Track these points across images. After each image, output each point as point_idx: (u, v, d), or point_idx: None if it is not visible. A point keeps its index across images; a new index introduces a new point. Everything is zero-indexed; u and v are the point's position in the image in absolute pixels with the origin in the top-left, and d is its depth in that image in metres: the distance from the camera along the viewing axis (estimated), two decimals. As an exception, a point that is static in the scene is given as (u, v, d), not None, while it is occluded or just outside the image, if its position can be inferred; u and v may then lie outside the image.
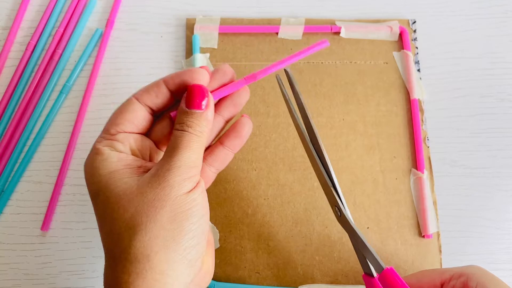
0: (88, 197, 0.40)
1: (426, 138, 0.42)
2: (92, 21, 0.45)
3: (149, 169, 0.26)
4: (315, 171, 0.30)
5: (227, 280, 0.38)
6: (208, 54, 0.43)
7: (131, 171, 0.26)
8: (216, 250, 0.38)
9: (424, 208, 0.39)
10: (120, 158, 0.26)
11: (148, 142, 0.29)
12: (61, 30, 0.44)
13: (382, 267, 0.28)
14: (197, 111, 0.26)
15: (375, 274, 0.30)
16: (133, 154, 0.27)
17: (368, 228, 0.39)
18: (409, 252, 0.39)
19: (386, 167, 0.41)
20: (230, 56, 0.43)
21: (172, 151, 0.26)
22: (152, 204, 0.24)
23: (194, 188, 0.26)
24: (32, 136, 0.41)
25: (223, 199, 0.39)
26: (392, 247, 0.39)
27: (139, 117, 0.28)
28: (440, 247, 0.39)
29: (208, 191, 0.39)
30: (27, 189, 0.40)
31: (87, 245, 0.39)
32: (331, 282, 0.38)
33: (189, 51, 0.44)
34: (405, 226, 0.39)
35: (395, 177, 0.41)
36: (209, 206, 0.39)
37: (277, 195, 0.40)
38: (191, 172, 0.26)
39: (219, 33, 0.44)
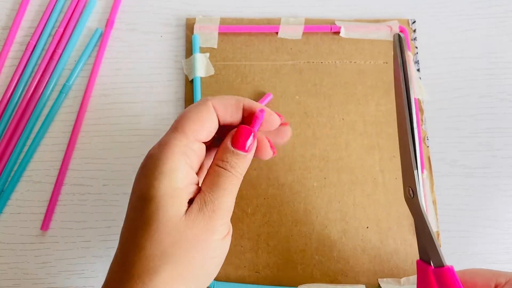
0: (88, 197, 0.40)
1: (426, 138, 0.42)
2: (92, 21, 0.45)
3: (196, 191, 0.26)
4: (401, 147, 0.29)
5: (227, 279, 0.38)
6: (208, 54, 0.43)
7: (187, 192, 0.25)
8: (216, 250, 0.38)
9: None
10: (187, 174, 0.26)
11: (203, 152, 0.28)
12: (61, 30, 0.44)
13: (443, 263, 0.28)
14: (242, 152, 0.27)
15: (432, 263, 0.29)
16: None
17: (367, 227, 0.39)
18: (408, 251, 0.39)
19: (386, 166, 0.41)
20: (230, 56, 0.43)
21: (215, 190, 0.26)
22: (192, 242, 0.24)
23: (227, 234, 0.26)
24: (32, 136, 0.41)
25: (223, 199, 0.39)
26: (392, 246, 0.39)
27: (213, 130, 0.27)
28: (439, 247, 0.39)
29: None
30: (27, 189, 0.40)
31: (87, 244, 0.39)
32: (331, 282, 0.38)
33: (189, 51, 0.44)
34: (405, 226, 0.39)
35: (395, 177, 0.41)
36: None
37: (276, 194, 0.40)
38: (227, 217, 0.26)
39: (219, 33, 0.44)
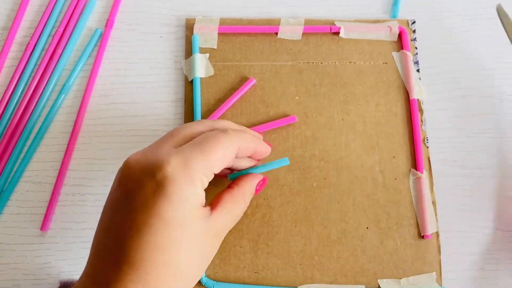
0: (87, 198, 0.40)
1: (426, 138, 0.42)
2: (91, 21, 0.45)
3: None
4: None
5: (227, 280, 0.38)
6: (207, 54, 0.43)
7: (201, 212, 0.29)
8: (216, 250, 0.38)
9: (423, 208, 0.39)
10: (202, 195, 0.29)
11: None
12: (61, 30, 0.44)
13: None
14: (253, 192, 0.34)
15: None
16: None
17: (367, 228, 0.39)
18: (408, 252, 0.39)
19: (386, 167, 0.41)
20: (229, 56, 0.43)
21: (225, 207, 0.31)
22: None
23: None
24: (32, 136, 0.41)
25: (223, 199, 0.39)
26: (391, 247, 0.39)
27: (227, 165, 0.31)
28: (439, 247, 0.39)
29: (208, 191, 0.40)
30: (26, 189, 0.40)
31: (87, 245, 0.39)
32: (331, 282, 0.38)
33: (188, 51, 0.44)
34: (404, 226, 0.39)
35: (395, 177, 0.41)
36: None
37: (276, 195, 0.40)
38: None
39: (219, 33, 0.44)
